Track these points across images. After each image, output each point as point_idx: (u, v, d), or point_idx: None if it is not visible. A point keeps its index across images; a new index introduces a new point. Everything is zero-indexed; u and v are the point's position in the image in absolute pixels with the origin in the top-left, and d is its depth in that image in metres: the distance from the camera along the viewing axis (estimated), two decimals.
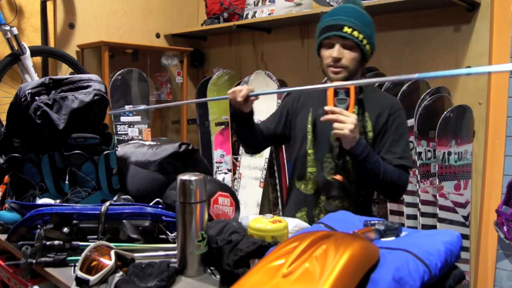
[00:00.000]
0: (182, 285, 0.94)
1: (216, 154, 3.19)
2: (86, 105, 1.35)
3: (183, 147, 1.46)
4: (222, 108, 3.20)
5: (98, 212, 1.11)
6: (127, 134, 3.00)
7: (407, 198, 2.25)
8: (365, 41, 1.49)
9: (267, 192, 2.98)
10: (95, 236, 1.10)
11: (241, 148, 3.02)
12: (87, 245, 0.97)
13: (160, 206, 1.25)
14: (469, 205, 2.31)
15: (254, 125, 1.63)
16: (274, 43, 3.21)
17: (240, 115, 1.56)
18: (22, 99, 1.31)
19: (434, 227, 2.20)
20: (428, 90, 2.25)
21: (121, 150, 1.56)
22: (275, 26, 3.12)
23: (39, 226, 1.08)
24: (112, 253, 0.92)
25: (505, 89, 2.21)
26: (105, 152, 1.39)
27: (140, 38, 3.29)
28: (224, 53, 3.55)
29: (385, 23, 2.49)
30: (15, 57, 2.49)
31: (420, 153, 2.21)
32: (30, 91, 1.32)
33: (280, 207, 2.83)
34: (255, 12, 3.04)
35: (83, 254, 0.93)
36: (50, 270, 1.01)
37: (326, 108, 1.36)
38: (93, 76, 1.43)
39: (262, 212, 2.86)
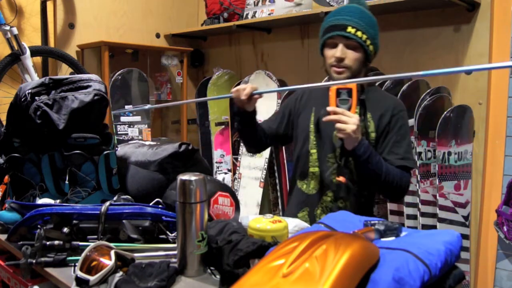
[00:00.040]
0: (182, 285, 0.94)
1: (216, 154, 3.19)
2: (86, 105, 1.35)
3: (183, 147, 1.46)
4: (222, 108, 3.20)
5: (98, 212, 1.11)
6: (127, 134, 3.00)
7: (407, 198, 2.25)
8: (368, 42, 1.48)
9: (267, 192, 2.98)
10: (95, 236, 1.10)
11: (241, 148, 3.02)
12: (87, 245, 0.97)
13: (160, 206, 1.25)
14: (469, 205, 2.31)
15: (257, 124, 1.63)
16: (274, 43, 3.21)
17: (243, 113, 1.56)
18: (22, 99, 1.31)
19: (434, 227, 2.20)
20: (428, 90, 2.25)
21: (121, 150, 1.56)
22: (275, 26, 3.12)
23: (39, 226, 1.08)
24: (112, 253, 0.92)
25: (505, 89, 2.21)
26: (105, 152, 1.39)
27: (140, 38, 3.29)
28: (224, 53, 3.55)
29: (385, 23, 2.47)
30: (15, 57, 2.49)
31: (420, 153, 2.21)
32: (30, 91, 1.32)
33: (280, 207, 2.83)
34: (255, 12, 3.04)
35: (83, 254, 0.93)
36: (50, 270, 1.01)
37: (329, 108, 1.36)
38: (93, 76, 1.43)
39: (262, 212, 2.86)
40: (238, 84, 1.95)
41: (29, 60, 2.51)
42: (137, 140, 2.09)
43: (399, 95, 2.21)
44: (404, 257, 0.81)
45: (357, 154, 1.39)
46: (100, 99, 1.38)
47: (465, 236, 2.27)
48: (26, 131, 1.34)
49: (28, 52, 2.51)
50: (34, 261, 1.00)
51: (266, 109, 2.69)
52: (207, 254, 0.99)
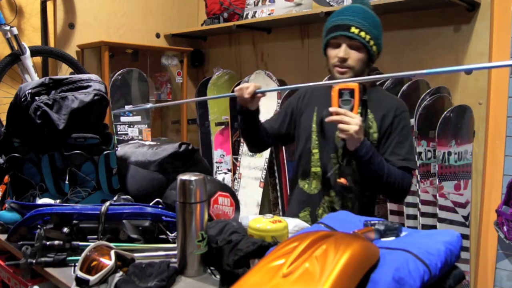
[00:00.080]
0: (182, 285, 0.94)
1: (216, 154, 3.19)
2: (86, 105, 1.35)
3: (183, 147, 1.46)
4: (222, 108, 3.20)
5: (98, 212, 1.11)
6: (127, 134, 3.00)
7: (407, 198, 2.24)
8: (372, 42, 1.48)
9: (267, 192, 2.98)
10: (95, 236, 1.10)
11: (241, 148, 3.02)
12: (87, 245, 0.97)
13: (160, 206, 1.25)
14: (469, 205, 2.31)
15: (260, 124, 1.63)
16: (274, 43, 3.21)
17: (246, 112, 1.56)
18: (22, 99, 1.31)
19: (434, 227, 2.20)
20: (428, 90, 2.25)
21: (121, 150, 1.56)
22: (275, 26, 3.12)
23: (39, 226, 1.08)
24: (112, 253, 0.92)
25: (505, 89, 2.21)
26: (105, 152, 1.39)
27: (140, 38, 3.29)
28: (224, 53, 3.55)
29: (385, 23, 2.46)
30: (15, 57, 2.49)
31: (420, 153, 2.21)
32: (30, 91, 1.32)
33: (280, 207, 2.83)
34: (255, 12, 3.04)
35: (83, 254, 0.93)
36: (50, 270, 1.01)
37: (331, 109, 1.36)
38: (93, 76, 1.43)
39: (262, 212, 2.86)
40: (238, 84, 1.96)
41: (29, 60, 2.52)
42: (137, 140, 2.09)
43: (399, 95, 2.21)
44: (404, 257, 0.81)
45: (359, 154, 1.39)
46: (100, 99, 1.38)
47: (465, 236, 2.27)
48: (26, 131, 1.34)
49: (28, 52, 2.51)
50: (34, 261, 1.00)
51: (266, 109, 2.69)
52: (207, 254, 0.99)
